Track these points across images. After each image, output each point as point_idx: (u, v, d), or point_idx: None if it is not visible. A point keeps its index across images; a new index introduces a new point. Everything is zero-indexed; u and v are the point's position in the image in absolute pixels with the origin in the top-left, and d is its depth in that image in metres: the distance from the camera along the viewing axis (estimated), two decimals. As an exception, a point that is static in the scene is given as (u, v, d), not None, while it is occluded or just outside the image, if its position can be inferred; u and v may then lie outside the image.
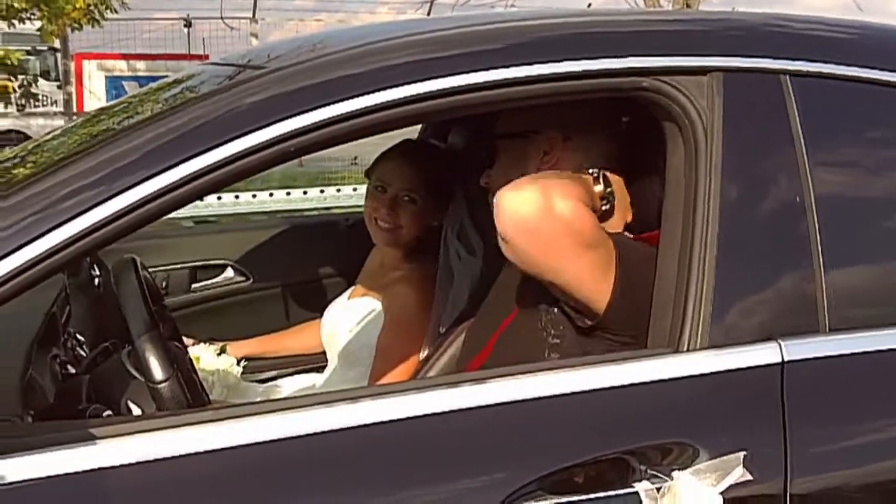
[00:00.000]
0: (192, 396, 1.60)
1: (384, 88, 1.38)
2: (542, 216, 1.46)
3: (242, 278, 3.02)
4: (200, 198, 1.38)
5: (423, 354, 2.24)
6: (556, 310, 1.63)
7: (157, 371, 1.55)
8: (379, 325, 2.40)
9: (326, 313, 2.64)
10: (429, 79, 1.40)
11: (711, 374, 1.44)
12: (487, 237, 2.30)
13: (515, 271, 1.81)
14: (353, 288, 2.64)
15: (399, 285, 2.41)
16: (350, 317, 2.53)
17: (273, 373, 2.79)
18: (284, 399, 1.40)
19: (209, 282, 3.00)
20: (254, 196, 6.36)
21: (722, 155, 1.50)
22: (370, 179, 2.47)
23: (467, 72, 1.42)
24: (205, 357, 2.53)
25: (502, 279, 1.89)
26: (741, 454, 1.35)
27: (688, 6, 9.62)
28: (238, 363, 2.59)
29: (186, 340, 2.54)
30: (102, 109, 1.95)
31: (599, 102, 1.70)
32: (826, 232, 1.52)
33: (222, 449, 1.29)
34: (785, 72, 1.57)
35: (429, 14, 12.83)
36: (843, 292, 1.53)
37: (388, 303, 2.42)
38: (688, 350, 1.45)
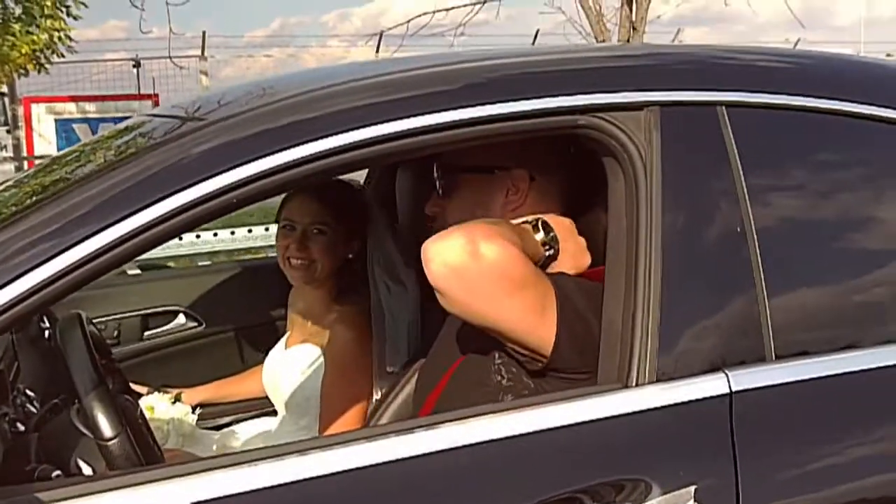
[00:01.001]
0: (143, 452, 1.58)
1: (336, 133, 1.40)
2: (467, 260, 1.45)
3: (195, 324, 3.00)
4: (157, 245, 1.37)
5: (375, 396, 2.23)
6: (505, 353, 1.63)
7: (106, 428, 1.53)
8: (321, 372, 2.38)
9: (266, 362, 2.62)
10: (373, 124, 1.42)
11: (660, 408, 1.44)
12: (417, 267, 2.32)
13: None
14: (287, 336, 2.62)
15: (335, 328, 2.39)
16: (290, 366, 2.51)
17: (229, 418, 2.77)
18: (235, 454, 1.38)
19: (161, 329, 2.97)
20: (198, 237, 6.30)
21: (662, 188, 1.52)
22: (279, 222, 2.45)
23: (409, 116, 1.43)
24: (159, 406, 2.50)
25: (450, 319, 1.89)
26: (692, 488, 1.35)
27: (633, 28, 9.67)
28: (193, 410, 2.57)
29: (140, 389, 2.52)
30: (54, 160, 1.93)
31: (562, 140, 1.71)
32: (768, 259, 1.54)
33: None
34: (721, 103, 1.59)
35: (378, 46, 12.83)
36: (788, 319, 1.54)
37: (327, 347, 2.40)
38: (636, 385, 1.45)
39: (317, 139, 1.39)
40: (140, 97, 14.76)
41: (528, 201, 1.73)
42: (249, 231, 6.57)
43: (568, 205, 1.76)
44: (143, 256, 1.47)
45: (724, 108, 1.59)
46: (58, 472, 1.58)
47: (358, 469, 1.32)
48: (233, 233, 6.53)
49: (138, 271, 3.56)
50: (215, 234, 6.49)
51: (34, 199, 1.46)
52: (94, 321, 2.16)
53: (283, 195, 2.44)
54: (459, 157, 1.72)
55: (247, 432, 2.62)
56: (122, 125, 1.99)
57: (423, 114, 1.44)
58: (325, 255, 2.39)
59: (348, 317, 2.37)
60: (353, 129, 1.41)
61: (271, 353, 2.62)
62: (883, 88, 1.76)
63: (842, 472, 1.52)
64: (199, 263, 5.78)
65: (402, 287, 2.21)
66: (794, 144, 1.67)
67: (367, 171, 2.76)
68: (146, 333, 2.96)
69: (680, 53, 1.76)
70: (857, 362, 1.57)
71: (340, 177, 2.41)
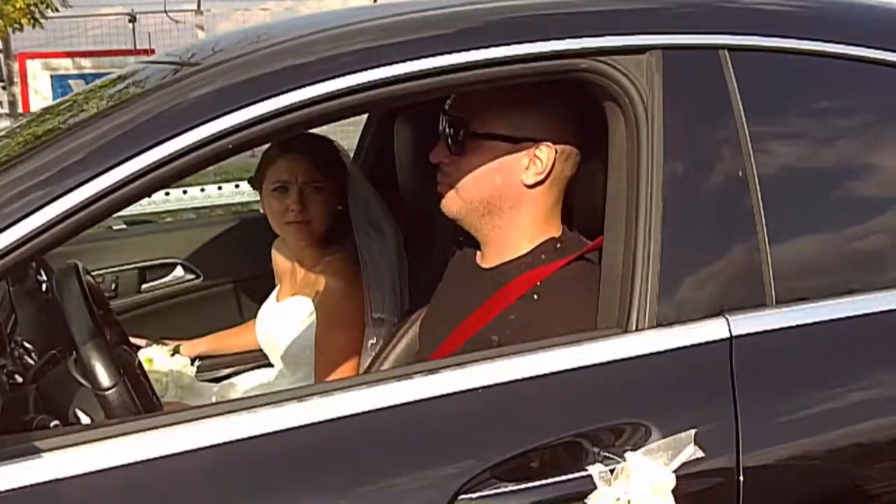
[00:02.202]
0: (141, 401, 1.58)
1: (333, 77, 1.37)
2: None
3: (193, 276, 2.99)
4: (150, 194, 1.36)
5: (369, 341, 2.24)
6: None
7: (104, 378, 1.53)
8: (314, 323, 2.38)
9: (259, 316, 2.62)
10: (370, 68, 1.39)
11: (660, 352, 1.44)
12: (395, 215, 2.34)
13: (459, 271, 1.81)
14: (278, 289, 2.62)
15: (325, 278, 2.39)
16: (283, 319, 2.51)
17: (229, 370, 2.77)
18: (234, 401, 1.38)
19: (159, 281, 2.96)
20: (202, 190, 6.27)
21: (663, 133, 1.50)
22: (262, 185, 2.43)
23: (411, 59, 1.41)
24: (158, 358, 2.50)
25: (451, 271, 1.89)
26: (692, 432, 1.35)
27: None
28: (192, 363, 2.57)
29: (139, 342, 2.52)
30: (47, 109, 1.91)
31: (584, 110, 1.68)
32: (769, 205, 1.52)
33: (171, 455, 1.27)
34: (723, 46, 1.56)
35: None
36: (788, 265, 1.53)
37: (319, 297, 2.40)
38: (636, 330, 1.45)
39: (314, 83, 1.37)
40: (136, 52, 14.64)
41: (551, 175, 1.70)
42: (202, 190, 6.51)
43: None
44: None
45: (726, 51, 1.56)
46: (56, 422, 1.58)
47: (359, 414, 1.32)
48: (185, 192, 6.46)
49: (124, 226, 3.53)
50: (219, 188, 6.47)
51: (27, 147, 1.44)
52: (92, 273, 2.15)
53: (262, 157, 2.44)
54: (484, 117, 1.69)
55: (246, 384, 2.61)
56: (115, 74, 1.97)
57: (422, 57, 1.42)
58: (322, 210, 2.39)
59: (337, 266, 2.38)
60: (350, 73, 1.39)
61: (263, 306, 2.62)
62: (889, 32, 1.73)
63: (840, 415, 1.52)
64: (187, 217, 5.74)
65: (381, 235, 2.22)
66: (798, 89, 1.65)
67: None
68: (144, 286, 2.95)
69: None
70: (857, 307, 1.56)
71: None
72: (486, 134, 1.69)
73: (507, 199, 1.70)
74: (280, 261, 2.62)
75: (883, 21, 1.80)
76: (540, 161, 1.68)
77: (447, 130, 1.71)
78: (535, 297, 1.65)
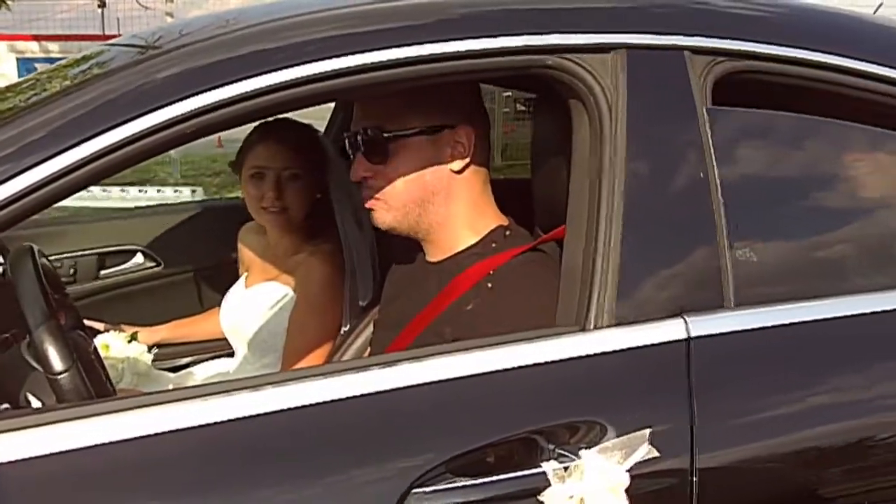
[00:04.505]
0: (94, 387, 1.55)
1: (299, 64, 1.37)
2: None
3: (153, 263, 2.96)
4: (111, 174, 1.34)
5: (343, 329, 2.23)
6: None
7: (56, 362, 1.50)
8: (287, 312, 2.37)
9: (225, 303, 2.60)
10: (341, 55, 1.39)
11: (618, 351, 1.44)
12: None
13: (413, 260, 1.81)
14: (246, 275, 2.60)
15: (310, 261, 2.39)
16: (253, 305, 2.49)
17: (187, 359, 2.74)
18: (189, 388, 1.37)
19: (119, 268, 2.93)
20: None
21: (626, 132, 1.50)
22: (241, 170, 2.43)
23: (381, 49, 1.41)
24: (115, 345, 2.47)
25: (406, 267, 1.88)
26: (647, 431, 1.35)
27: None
28: (149, 350, 2.54)
29: (96, 327, 2.49)
30: (8, 87, 1.89)
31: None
32: (730, 208, 1.53)
33: (122, 441, 1.26)
34: (688, 48, 1.57)
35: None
36: (748, 268, 1.54)
37: (302, 282, 2.39)
38: (595, 328, 1.45)
39: (279, 69, 1.36)
40: (105, 38, 14.50)
41: (473, 156, 1.71)
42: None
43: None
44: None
45: (691, 52, 1.57)
46: (6, 405, 1.55)
47: (315, 405, 1.31)
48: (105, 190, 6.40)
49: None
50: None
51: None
52: (50, 258, 2.12)
53: (243, 142, 2.43)
54: (396, 118, 1.68)
55: (204, 373, 2.60)
56: (79, 54, 1.94)
57: (393, 47, 1.42)
58: (299, 200, 2.39)
59: (324, 252, 2.37)
60: (317, 61, 1.38)
61: (230, 292, 2.60)
62: (858, 41, 1.74)
63: (795, 419, 1.53)
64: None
65: (361, 226, 2.21)
66: (762, 93, 1.66)
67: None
68: (103, 272, 2.92)
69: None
70: (815, 312, 1.57)
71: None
72: (404, 133, 1.68)
73: (439, 192, 1.71)
74: (250, 247, 2.60)
75: (849, 29, 1.82)
76: (462, 145, 1.69)
77: (362, 143, 1.69)
78: (490, 285, 1.65)
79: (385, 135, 1.68)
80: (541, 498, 1.31)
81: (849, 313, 1.59)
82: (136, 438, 1.26)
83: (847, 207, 1.70)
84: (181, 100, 1.32)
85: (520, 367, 1.40)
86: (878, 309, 1.60)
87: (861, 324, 1.59)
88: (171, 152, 8.59)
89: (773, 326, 1.53)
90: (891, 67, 1.68)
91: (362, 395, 1.33)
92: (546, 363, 1.41)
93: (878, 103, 1.69)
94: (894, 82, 1.68)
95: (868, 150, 1.74)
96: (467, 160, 1.70)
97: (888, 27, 1.88)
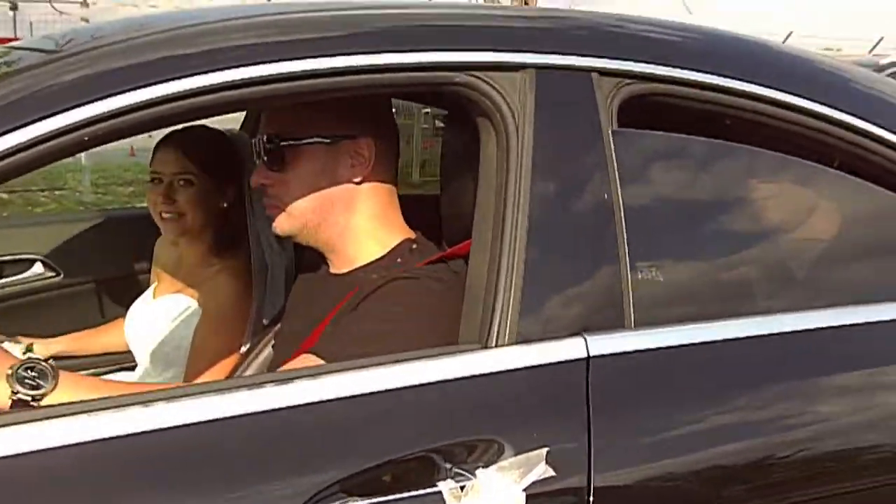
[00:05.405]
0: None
1: (207, 72, 1.34)
2: None
3: (53, 273, 2.88)
4: (16, 175, 1.30)
5: (244, 349, 2.18)
6: None
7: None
8: (192, 325, 2.33)
9: (130, 313, 2.55)
10: (250, 64, 1.37)
11: (518, 369, 1.43)
12: None
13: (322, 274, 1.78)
14: (154, 286, 2.55)
15: (219, 278, 2.34)
16: (159, 317, 2.44)
17: (85, 372, 2.66)
18: (74, 403, 1.31)
19: (16, 277, 2.84)
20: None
21: (532, 151, 1.51)
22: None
23: (292, 59, 1.39)
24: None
25: (308, 280, 1.86)
26: (544, 450, 1.35)
27: (525, 2, 9.71)
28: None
29: (-10, 338, 2.41)
30: None
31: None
32: (632, 230, 1.54)
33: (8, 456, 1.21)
34: (595, 70, 1.58)
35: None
36: (648, 288, 1.55)
37: (206, 298, 2.35)
38: (496, 345, 1.44)
39: (188, 76, 1.34)
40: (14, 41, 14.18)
41: (373, 167, 1.71)
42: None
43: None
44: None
45: (598, 74, 1.58)
46: None
47: (203, 422, 1.28)
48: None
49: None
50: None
51: None
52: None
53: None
54: (296, 126, 1.68)
55: (102, 387, 2.52)
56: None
57: (305, 58, 1.40)
58: (194, 206, 2.34)
59: (232, 269, 2.33)
60: (227, 69, 1.36)
61: (136, 303, 2.54)
62: (762, 66, 1.77)
63: (692, 439, 1.54)
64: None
65: (280, 247, 2.17)
66: (668, 117, 1.68)
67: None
68: (0, 282, 2.83)
69: (564, 18, 1.74)
70: (713, 333, 1.58)
71: (210, 126, 2.37)
72: (304, 142, 1.67)
73: (339, 202, 1.70)
74: (162, 258, 2.56)
75: (757, 55, 1.85)
76: (362, 156, 1.69)
77: (263, 150, 1.68)
78: (365, 296, 1.63)
79: (283, 143, 1.67)
80: (437, 517, 1.30)
81: (748, 334, 1.61)
82: (28, 453, 1.21)
83: (749, 231, 1.73)
84: (88, 103, 1.28)
85: (420, 385, 1.39)
86: (777, 331, 1.62)
87: (759, 345, 1.61)
88: (83, 160, 8.44)
89: (672, 346, 1.54)
90: (795, 95, 1.71)
91: (255, 413, 1.30)
92: (447, 380, 1.40)
93: (782, 129, 1.72)
94: (798, 109, 1.71)
95: (771, 174, 1.77)
96: (367, 172, 1.70)
97: (796, 55, 1.92)
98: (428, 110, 9.88)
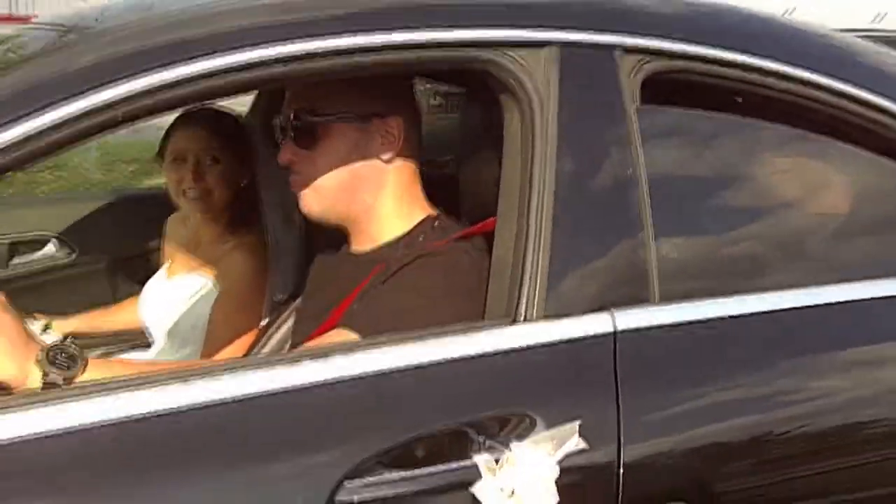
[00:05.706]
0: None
1: (224, 53, 1.34)
2: None
3: (67, 252, 2.89)
4: (29, 164, 1.31)
5: (262, 323, 2.20)
6: None
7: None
8: (209, 303, 2.34)
9: (145, 293, 2.56)
10: (267, 44, 1.37)
11: (547, 344, 1.45)
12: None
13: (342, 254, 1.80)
14: (168, 265, 2.57)
15: (234, 255, 2.36)
16: (175, 295, 2.46)
17: (101, 350, 2.68)
18: (97, 384, 1.31)
19: (31, 257, 2.85)
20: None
21: (557, 128, 1.52)
22: (164, 159, 2.42)
23: (311, 38, 1.40)
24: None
25: (332, 257, 1.87)
26: (577, 423, 1.37)
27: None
28: (63, 340, 2.47)
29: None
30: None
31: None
32: (656, 205, 1.55)
33: (30, 437, 1.22)
34: (619, 46, 1.59)
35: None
36: (673, 264, 1.57)
37: (224, 276, 2.37)
38: (524, 321, 1.46)
39: (202, 57, 1.34)
40: (14, 18, 14.10)
41: (403, 146, 1.71)
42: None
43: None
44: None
45: (622, 51, 1.59)
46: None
47: (240, 399, 1.30)
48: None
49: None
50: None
51: None
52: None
53: (166, 131, 2.41)
54: (326, 104, 1.68)
55: (119, 365, 2.54)
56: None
57: (325, 37, 1.41)
58: (221, 183, 2.37)
59: (248, 245, 2.35)
60: (242, 49, 1.36)
61: (150, 282, 2.56)
62: (781, 42, 1.79)
63: (718, 411, 1.56)
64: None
65: (286, 219, 2.18)
66: (690, 93, 1.69)
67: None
68: (14, 261, 2.84)
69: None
70: (738, 307, 1.60)
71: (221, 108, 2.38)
72: (333, 118, 1.67)
73: (369, 180, 1.70)
74: (175, 237, 2.57)
75: (778, 33, 1.86)
76: (392, 134, 1.69)
77: (291, 126, 1.68)
78: (395, 270, 1.63)
79: (313, 119, 1.67)
80: (472, 490, 1.32)
81: (773, 308, 1.63)
82: (45, 436, 1.22)
83: (772, 206, 1.74)
84: (109, 84, 1.29)
85: (452, 360, 1.40)
86: (801, 304, 1.65)
87: (785, 319, 1.63)
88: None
89: (697, 321, 1.56)
90: (815, 72, 1.72)
91: (293, 389, 1.32)
92: (477, 355, 1.42)
93: (801, 106, 1.74)
94: (817, 86, 1.72)
95: (792, 150, 1.79)
96: (397, 150, 1.70)
97: (814, 32, 1.93)
98: (423, 88, 9.84)
